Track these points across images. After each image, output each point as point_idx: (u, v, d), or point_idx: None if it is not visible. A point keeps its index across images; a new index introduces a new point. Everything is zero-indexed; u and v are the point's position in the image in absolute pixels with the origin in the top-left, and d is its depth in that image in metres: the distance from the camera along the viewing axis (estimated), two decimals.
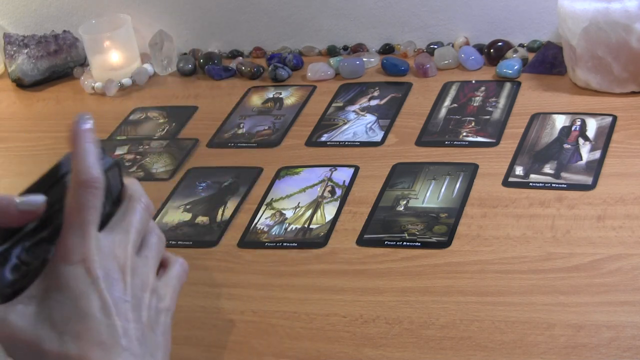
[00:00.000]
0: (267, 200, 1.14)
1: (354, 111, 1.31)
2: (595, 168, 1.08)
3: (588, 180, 1.06)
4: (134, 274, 0.66)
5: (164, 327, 0.68)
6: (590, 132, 1.14)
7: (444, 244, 1.00)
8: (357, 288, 0.97)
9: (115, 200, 0.70)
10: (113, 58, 1.50)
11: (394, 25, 1.46)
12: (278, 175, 1.18)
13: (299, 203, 1.12)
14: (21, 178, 1.17)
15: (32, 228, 0.65)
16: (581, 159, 1.10)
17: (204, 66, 1.50)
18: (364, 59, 1.42)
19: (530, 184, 1.07)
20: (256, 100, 1.39)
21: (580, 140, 1.13)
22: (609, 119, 1.16)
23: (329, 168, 1.18)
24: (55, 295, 0.63)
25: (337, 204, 1.10)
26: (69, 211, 0.65)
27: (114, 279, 0.65)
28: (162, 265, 0.72)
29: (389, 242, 1.02)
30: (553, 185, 1.06)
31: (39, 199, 0.65)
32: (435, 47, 1.41)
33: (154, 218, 1.10)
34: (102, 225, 0.68)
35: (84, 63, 1.57)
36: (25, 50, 1.53)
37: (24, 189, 0.66)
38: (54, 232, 0.66)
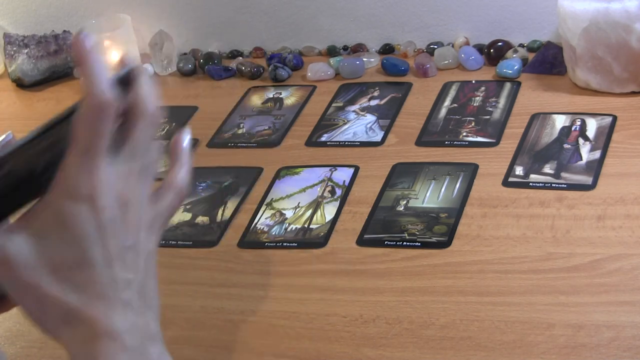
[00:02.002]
0: (267, 200, 1.14)
1: (354, 111, 1.31)
2: (595, 168, 1.08)
3: (588, 180, 1.06)
4: (136, 208, 0.61)
5: (154, 269, 0.63)
6: (590, 132, 1.15)
7: (444, 244, 1.00)
8: (357, 288, 0.97)
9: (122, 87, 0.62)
10: (113, 58, 1.50)
11: (394, 25, 1.46)
12: (278, 175, 1.18)
13: (299, 203, 1.12)
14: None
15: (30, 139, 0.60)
16: (581, 159, 1.10)
17: (204, 66, 1.50)
18: (364, 59, 1.42)
19: (530, 184, 1.07)
20: (256, 100, 1.39)
21: (580, 140, 1.13)
22: (609, 119, 1.16)
23: (329, 168, 1.18)
24: (57, 235, 0.58)
25: (337, 204, 1.10)
26: (76, 137, 0.59)
27: (119, 221, 0.60)
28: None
29: (389, 242, 1.02)
30: (553, 185, 1.06)
31: (6, 135, 0.63)
32: (435, 47, 1.41)
33: None
34: None
35: None
36: (25, 50, 1.53)
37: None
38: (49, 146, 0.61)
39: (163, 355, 0.60)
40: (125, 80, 0.62)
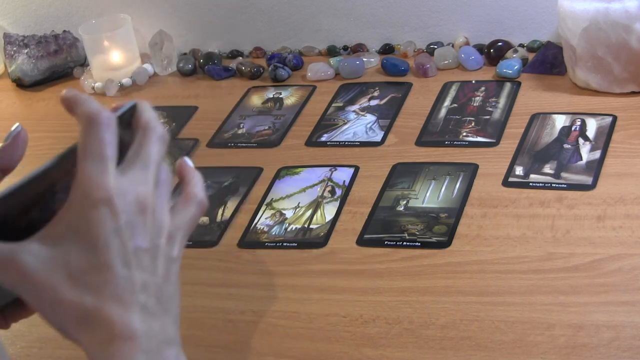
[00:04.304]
0: (267, 200, 1.14)
1: (354, 111, 1.31)
2: (595, 168, 1.08)
3: (588, 180, 1.06)
4: (153, 214, 0.63)
5: (175, 277, 0.64)
6: (590, 132, 1.15)
7: (444, 244, 1.00)
8: (357, 288, 0.97)
9: (125, 126, 0.65)
10: (113, 58, 1.50)
11: (394, 25, 1.46)
12: (278, 175, 1.18)
13: (299, 203, 1.12)
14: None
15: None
16: (581, 159, 1.10)
17: (204, 66, 1.50)
18: (364, 59, 1.42)
19: (530, 184, 1.07)
20: (256, 100, 1.39)
21: (580, 140, 1.13)
22: (609, 119, 1.16)
23: (329, 168, 1.18)
24: (73, 241, 0.60)
25: (337, 204, 1.10)
26: (84, 149, 0.61)
27: (136, 223, 0.61)
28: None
29: (389, 242, 1.02)
30: (553, 185, 1.06)
31: (15, 126, 0.65)
32: (435, 47, 1.41)
33: None
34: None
35: (84, 63, 1.57)
36: (25, 50, 1.53)
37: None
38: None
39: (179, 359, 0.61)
40: (128, 119, 0.65)
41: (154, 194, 0.63)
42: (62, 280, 0.59)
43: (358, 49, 1.47)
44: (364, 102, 1.33)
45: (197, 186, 0.69)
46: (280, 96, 1.39)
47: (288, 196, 1.14)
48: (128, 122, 0.65)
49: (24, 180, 0.62)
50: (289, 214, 1.11)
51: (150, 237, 0.62)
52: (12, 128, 0.67)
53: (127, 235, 0.60)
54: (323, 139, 1.26)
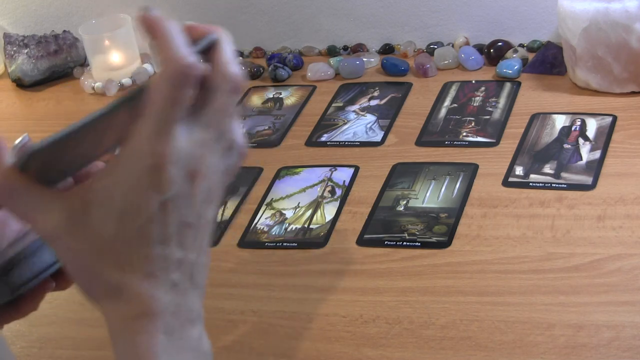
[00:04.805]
0: (267, 200, 1.14)
1: (354, 111, 1.31)
2: (595, 168, 1.08)
3: (588, 180, 1.06)
4: (204, 182, 0.56)
5: (208, 244, 0.59)
6: (590, 132, 1.15)
7: (444, 244, 1.00)
8: (357, 288, 0.97)
9: (200, 55, 0.57)
10: (113, 58, 1.50)
11: (394, 25, 1.46)
12: (278, 175, 1.19)
13: (299, 203, 1.12)
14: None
15: None
16: (581, 159, 1.10)
17: None
18: (364, 59, 1.42)
19: (530, 184, 1.07)
20: (256, 100, 1.39)
21: (580, 140, 1.13)
22: (609, 119, 1.16)
23: (329, 168, 1.18)
24: (113, 207, 0.54)
25: (337, 204, 1.10)
26: (152, 103, 0.54)
27: (185, 195, 0.55)
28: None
29: (389, 242, 1.02)
30: (553, 185, 1.06)
31: (22, 137, 0.61)
32: (435, 47, 1.41)
33: None
34: None
35: (84, 63, 1.57)
36: (25, 50, 1.53)
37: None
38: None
39: (202, 338, 0.59)
40: (205, 51, 0.58)
41: (211, 155, 0.56)
42: (94, 249, 0.55)
43: (358, 49, 1.47)
44: (364, 102, 1.33)
45: (240, 131, 0.60)
46: (280, 96, 1.39)
47: (288, 196, 1.14)
48: (205, 51, 0.58)
49: (78, 124, 0.56)
50: (289, 214, 1.11)
51: (195, 209, 0.56)
52: (19, 140, 0.64)
53: (172, 209, 0.55)
54: (323, 139, 1.26)
